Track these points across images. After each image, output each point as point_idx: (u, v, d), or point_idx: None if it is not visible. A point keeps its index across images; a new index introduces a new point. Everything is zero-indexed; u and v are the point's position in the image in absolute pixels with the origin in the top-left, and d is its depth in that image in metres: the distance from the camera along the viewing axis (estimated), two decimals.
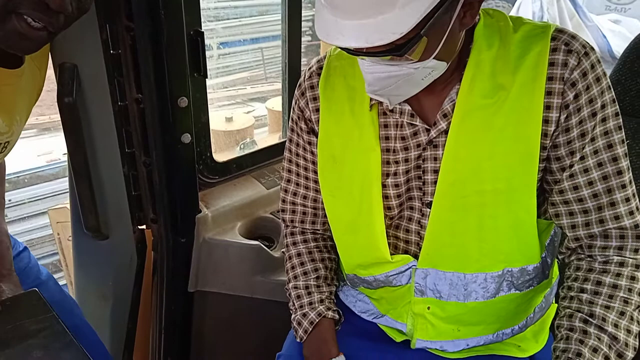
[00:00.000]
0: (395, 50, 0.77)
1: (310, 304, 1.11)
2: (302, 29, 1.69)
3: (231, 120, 3.10)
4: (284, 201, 1.18)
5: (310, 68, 1.07)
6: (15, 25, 0.80)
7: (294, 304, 1.13)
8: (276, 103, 3.21)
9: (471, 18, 0.83)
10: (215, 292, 1.61)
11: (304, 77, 1.07)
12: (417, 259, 1.01)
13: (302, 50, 1.72)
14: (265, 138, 3.62)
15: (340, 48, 0.83)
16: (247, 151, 1.79)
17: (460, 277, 0.99)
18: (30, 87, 1.05)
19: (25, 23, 0.81)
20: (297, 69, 1.72)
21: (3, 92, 0.96)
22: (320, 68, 1.05)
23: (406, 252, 1.04)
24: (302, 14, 1.66)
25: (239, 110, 4.97)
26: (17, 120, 1.03)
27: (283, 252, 1.21)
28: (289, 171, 1.15)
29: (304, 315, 1.10)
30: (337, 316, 1.11)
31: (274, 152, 1.76)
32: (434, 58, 0.82)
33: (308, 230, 1.19)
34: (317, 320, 1.09)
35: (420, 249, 1.02)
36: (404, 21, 0.73)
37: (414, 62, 0.81)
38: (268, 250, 1.57)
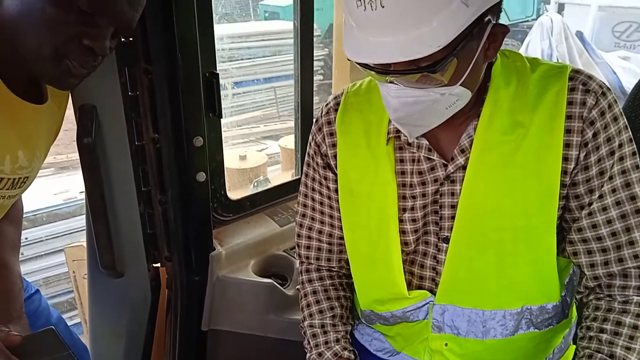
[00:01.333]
0: (430, 67, 0.77)
1: (326, 343, 1.10)
2: (314, 68, 1.73)
3: (245, 159, 3.14)
4: (299, 236, 1.18)
5: (327, 104, 1.08)
6: (69, 66, 0.88)
7: (309, 343, 1.12)
8: (289, 141, 3.24)
9: (494, 51, 0.85)
10: (228, 331, 1.59)
11: (321, 113, 1.09)
12: (433, 294, 1.01)
13: (314, 89, 1.75)
14: (279, 176, 3.65)
15: (369, 68, 0.82)
16: (260, 189, 1.80)
17: (479, 313, 0.98)
18: (50, 124, 1.09)
19: (78, 64, 0.88)
20: (310, 108, 1.74)
21: (26, 127, 1.00)
22: (338, 104, 1.06)
23: (420, 287, 1.04)
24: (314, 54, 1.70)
25: (252, 148, 5.02)
26: (37, 157, 1.06)
27: (298, 289, 1.20)
28: (305, 206, 1.16)
29: (320, 354, 1.09)
30: (352, 356, 1.10)
31: (287, 189, 1.77)
32: (460, 84, 0.83)
33: (323, 268, 1.18)
34: None
35: (435, 284, 1.01)
36: (440, 36, 0.74)
37: (442, 86, 0.82)
38: (281, 288, 1.56)
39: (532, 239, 0.92)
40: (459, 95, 0.85)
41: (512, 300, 0.97)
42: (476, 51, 0.81)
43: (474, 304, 0.98)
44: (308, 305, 1.15)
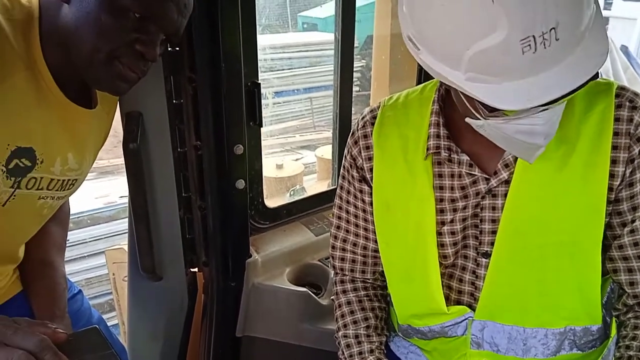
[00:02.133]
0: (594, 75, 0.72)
1: (360, 354, 1.09)
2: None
3: (282, 167, 3.17)
4: (333, 247, 1.18)
5: (363, 117, 1.08)
6: (120, 69, 0.92)
7: (343, 353, 1.12)
8: (325, 151, 3.26)
9: None
10: (262, 338, 1.60)
11: (357, 126, 1.08)
12: (472, 310, 1.00)
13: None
14: (314, 185, 3.66)
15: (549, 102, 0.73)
16: (296, 198, 1.82)
17: (520, 331, 0.96)
18: (99, 129, 1.12)
19: (128, 68, 0.92)
20: (348, 119, 1.75)
21: (77, 130, 1.03)
22: (374, 117, 1.06)
23: (458, 302, 1.03)
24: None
25: (288, 157, 5.06)
26: (87, 160, 1.09)
27: (332, 299, 1.20)
28: (339, 218, 1.15)
29: None
30: None
31: (323, 199, 1.78)
32: None
33: (358, 279, 1.18)
34: None
35: (474, 299, 1.00)
36: (600, 43, 0.70)
37: None
38: (316, 297, 1.56)
39: (577, 255, 0.91)
40: None
41: (554, 319, 0.95)
42: None
43: (515, 321, 0.96)
44: (342, 316, 1.15)
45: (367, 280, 1.18)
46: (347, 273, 1.18)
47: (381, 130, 1.05)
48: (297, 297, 1.55)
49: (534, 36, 0.67)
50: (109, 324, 1.51)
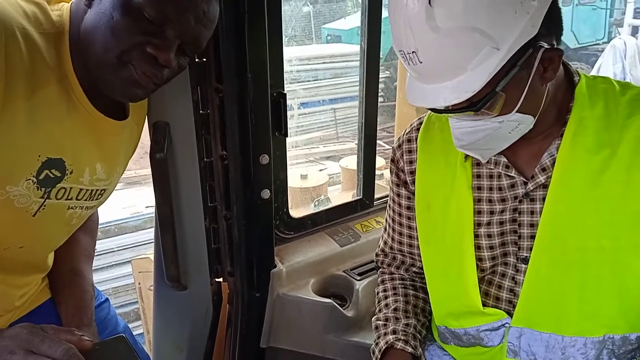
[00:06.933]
0: (472, 106, 0.83)
1: (385, 334, 1.12)
2: None
3: (306, 178, 3.18)
4: (384, 243, 1.26)
5: (411, 124, 1.15)
6: (132, 72, 0.90)
7: (374, 337, 1.15)
8: (350, 161, 3.25)
9: (553, 72, 0.87)
10: (287, 350, 1.59)
11: (404, 132, 1.15)
12: (510, 317, 0.99)
13: None
14: (339, 195, 3.66)
15: (427, 108, 0.90)
16: (321, 208, 1.81)
17: (558, 339, 0.95)
18: (129, 140, 1.14)
19: (141, 72, 0.90)
20: (373, 129, 1.74)
21: (108, 142, 1.05)
22: (420, 123, 1.13)
23: (495, 309, 1.02)
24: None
25: (313, 168, 5.07)
26: (116, 171, 1.11)
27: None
28: (388, 215, 1.24)
29: (377, 344, 1.11)
30: (409, 348, 1.08)
31: (348, 209, 1.77)
32: (517, 112, 0.85)
33: (396, 273, 1.25)
34: (384, 348, 1.09)
35: (512, 306, 1.00)
36: (474, 81, 0.80)
37: (495, 116, 0.85)
38: (340, 309, 1.55)
39: (619, 262, 0.90)
40: (519, 121, 0.87)
41: (593, 328, 0.93)
42: (527, 80, 0.83)
43: (553, 329, 0.95)
44: (378, 302, 1.21)
45: (405, 275, 1.24)
46: (386, 267, 1.25)
47: (426, 135, 1.10)
48: (322, 308, 1.54)
49: (403, 52, 0.85)
50: (134, 332, 1.52)
